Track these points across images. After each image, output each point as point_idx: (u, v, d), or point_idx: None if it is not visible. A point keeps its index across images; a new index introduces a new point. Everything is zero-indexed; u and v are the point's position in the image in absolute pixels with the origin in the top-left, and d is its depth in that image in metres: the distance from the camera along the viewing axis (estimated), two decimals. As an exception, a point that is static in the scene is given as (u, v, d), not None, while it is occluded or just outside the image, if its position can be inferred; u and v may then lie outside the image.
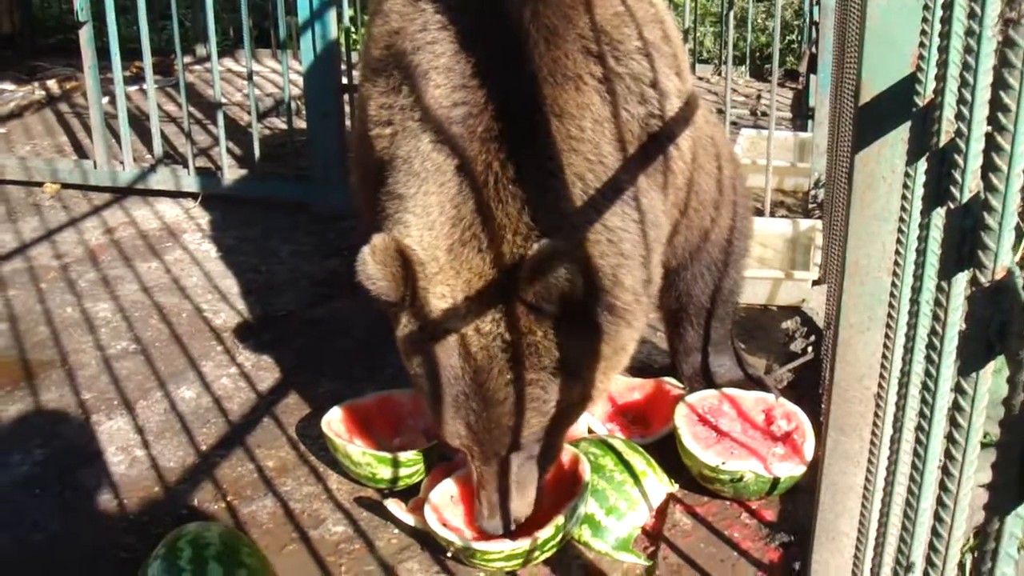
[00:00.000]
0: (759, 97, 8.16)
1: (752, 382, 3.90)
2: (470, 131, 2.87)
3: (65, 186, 6.58)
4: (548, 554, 3.11)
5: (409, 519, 3.25)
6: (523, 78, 2.92)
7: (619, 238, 2.92)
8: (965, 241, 1.40)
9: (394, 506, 3.29)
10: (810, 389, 3.94)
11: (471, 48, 2.96)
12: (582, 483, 3.18)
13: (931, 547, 1.48)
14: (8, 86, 8.57)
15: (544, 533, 3.03)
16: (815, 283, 4.71)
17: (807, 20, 8.13)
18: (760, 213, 5.25)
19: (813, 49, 6.69)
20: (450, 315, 2.82)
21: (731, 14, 6.07)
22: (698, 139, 3.43)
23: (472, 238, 2.83)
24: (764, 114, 7.57)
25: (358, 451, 3.45)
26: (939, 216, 1.63)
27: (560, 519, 3.06)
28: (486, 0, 3.00)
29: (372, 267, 2.79)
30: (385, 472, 3.44)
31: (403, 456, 3.43)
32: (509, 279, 2.78)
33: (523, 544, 3.02)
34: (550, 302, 2.74)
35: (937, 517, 1.43)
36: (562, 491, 3.22)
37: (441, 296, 2.83)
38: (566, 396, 2.91)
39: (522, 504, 3.06)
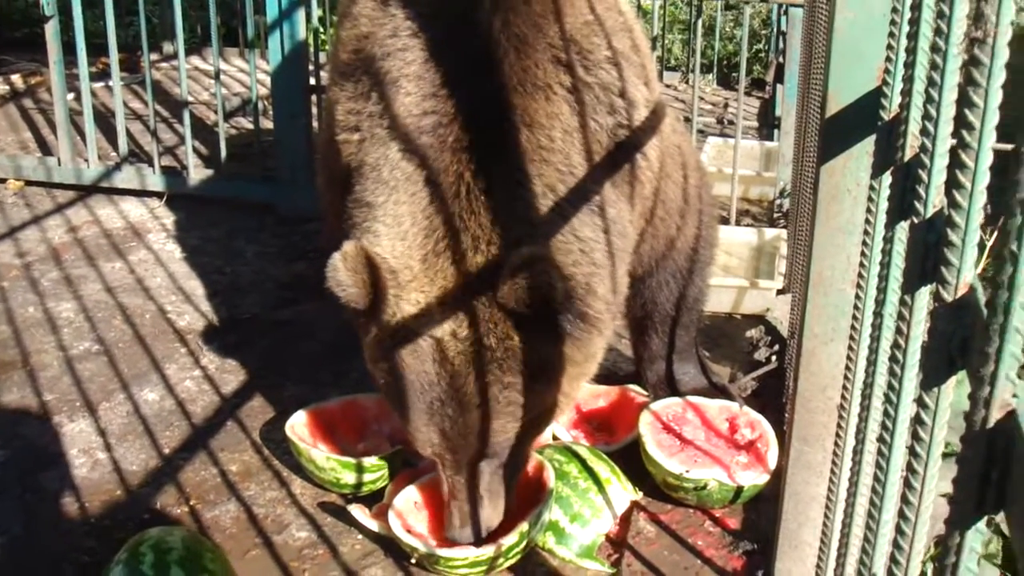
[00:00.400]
0: (726, 106, 8.20)
1: (716, 390, 3.92)
2: (440, 141, 2.88)
3: (29, 183, 6.52)
4: (512, 561, 3.11)
5: (373, 524, 3.24)
6: (493, 87, 2.92)
7: (590, 248, 2.93)
8: (928, 256, 1.42)
9: (358, 511, 3.28)
10: (774, 398, 3.96)
11: (441, 56, 2.96)
12: (547, 490, 3.18)
13: (892, 558, 1.49)
14: (-28, 81, 8.49)
15: (508, 540, 3.03)
16: (779, 292, 4.73)
17: (775, 30, 8.18)
18: (726, 221, 5.28)
19: (780, 59, 6.75)
20: (426, 321, 2.82)
21: (699, 22, 6.10)
22: (665, 149, 3.44)
23: (446, 248, 2.83)
24: (731, 123, 7.61)
25: (322, 456, 3.44)
26: (903, 230, 1.64)
27: (524, 526, 3.06)
28: (457, 8, 3.00)
29: (343, 274, 2.77)
30: (349, 477, 3.43)
31: (367, 461, 3.42)
32: (484, 286, 2.78)
33: (487, 551, 3.02)
34: (528, 307, 2.74)
35: (899, 528, 1.44)
36: (526, 498, 3.22)
37: (416, 303, 2.83)
38: (539, 402, 2.92)
39: (492, 513, 3.05)
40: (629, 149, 3.15)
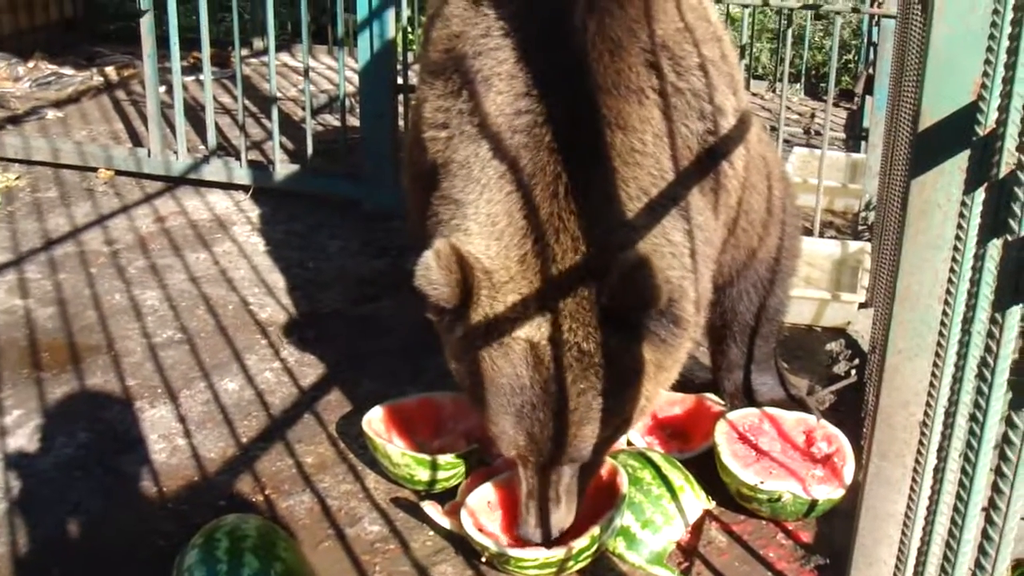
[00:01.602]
0: (813, 116, 8.12)
1: (794, 402, 3.88)
2: (536, 140, 2.87)
3: (119, 173, 6.65)
4: (582, 564, 3.11)
5: (445, 522, 3.26)
6: (586, 89, 2.91)
7: (680, 252, 2.92)
8: (1022, 274, 1.39)
9: (431, 508, 3.30)
10: (852, 412, 3.92)
11: (534, 56, 2.96)
12: (619, 495, 3.18)
13: (972, 579, 1.47)
14: (67, 71, 8.67)
15: (580, 543, 3.03)
16: (861, 306, 4.68)
17: (865, 40, 8.08)
18: (809, 233, 5.23)
19: (870, 70, 6.67)
20: (521, 323, 2.79)
21: (788, 31, 6.04)
22: (751, 159, 3.42)
23: (545, 248, 2.81)
24: (817, 133, 7.53)
25: (397, 451, 3.47)
26: (995, 247, 1.62)
27: (596, 530, 3.06)
28: (550, 9, 3.00)
29: (436, 272, 2.74)
30: (423, 474, 3.45)
31: (442, 459, 3.44)
32: (581, 288, 2.77)
33: (558, 553, 3.02)
34: (634, 312, 2.74)
35: (981, 549, 1.42)
36: (599, 502, 3.22)
37: (512, 305, 2.80)
38: (627, 407, 2.91)
39: (566, 515, 3.04)
40: (716, 156, 3.14)
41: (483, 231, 2.87)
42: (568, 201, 2.82)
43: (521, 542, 3.11)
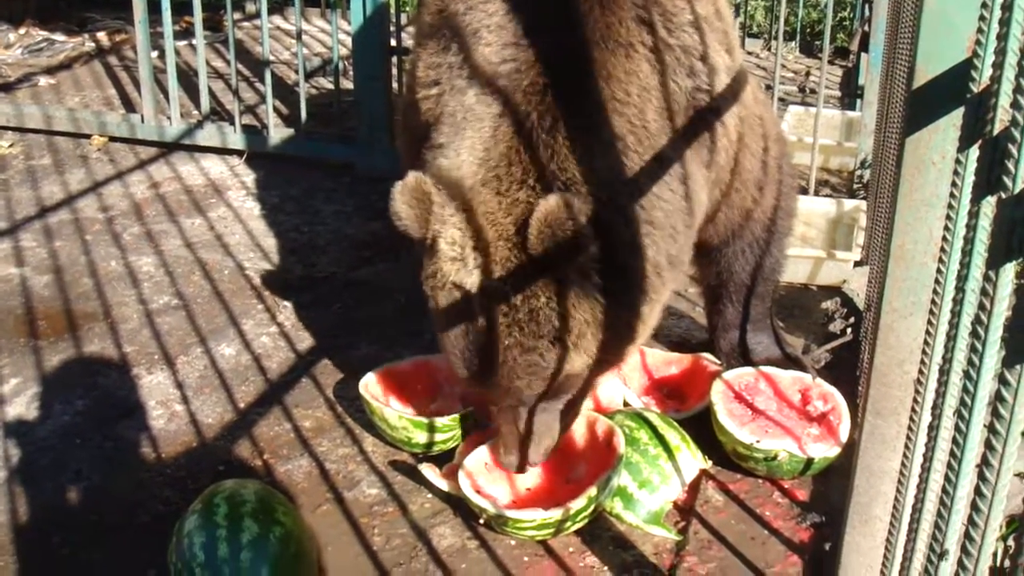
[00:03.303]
0: (808, 74, 8.09)
1: (789, 361, 3.89)
2: (515, 84, 2.88)
3: (112, 139, 6.63)
4: (580, 524, 3.13)
5: (443, 484, 3.28)
6: (574, 40, 2.92)
7: (651, 205, 2.89)
8: (1015, 231, 1.39)
9: (428, 471, 3.32)
10: (848, 371, 3.93)
11: (524, 8, 2.96)
12: (616, 455, 3.19)
13: (966, 535, 1.48)
14: (59, 37, 8.63)
15: (577, 504, 3.05)
16: (857, 264, 4.68)
17: (860, -3, 8.03)
18: (804, 192, 5.21)
19: (865, 27, 6.63)
20: (458, 268, 2.82)
21: (784, -11, 6.00)
22: (745, 118, 3.41)
23: (493, 179, 2.81)
24: (812, 91, 7.51)
25: (395, 415, 3.48)
26: (989, 205, 1.61)
27: (593, 490, 3.07)
28: None
29: (399, 204, 2.80)
30: (421, 437, 3.46)
31: (439, 421, 3.45)
32: (519, 234, 2.75)
33: (555, 514, 3.04)
34: (556, 260, 2.69)
35: (974, 505, 1.43)
36: (596, 462, 3.23)
37: (451, 242, 2.81)
38: (571, 364, 2.87)
39: (537, 451, 3.06)
40: (707, 114, 3.12)
41: (448, 164, 2.88)
42: (531, 137, 2.81)
43: (519, 503, 3.13)
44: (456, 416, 3.48)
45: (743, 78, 3.35)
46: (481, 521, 3.17)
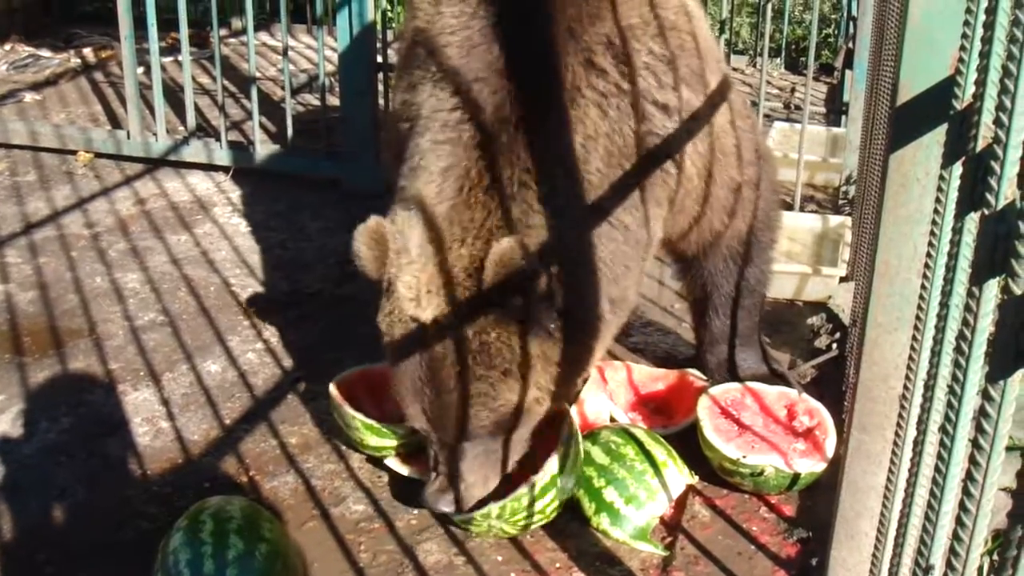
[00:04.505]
0: (793, 90, 8.12)
1: (775, 377, 3.90)
2: (464, 135, 2.99)
3: (98, 155, 6.61)
4: (551, 508, 3.14)
5: (404, 470, 3.39)
6: (526, 84, 3.01)
7: (592, 251, 3.00)
8: (998, 248, 1.40)
9: (392, 462, 3.43)
10: (833, 386, 3.94)
11: (481, 51, 3.05)
12: (567, 430, 3.20)
13: (951, 550, 1.48)
14: (45, 53, 8.62)
15: (542, 477, 3.08)
16: (842, 280, 4.69)
17: (845, 14, 8.07)
18: (790, 207, 5.23)
19: (850, 44, 6.66)
20: (413, 304, 2.92)
21: (768, 5, 6.03)
22: (718, 148, 3.43)
23: (454, 219, 2.93)
24: (797, 107, 7.54)
25: (350, 414, 3.48)
26: (972, 221, 1.63)
27: (553, 463, 3.09)
28: (504, 6, 3.09)
29: (358, 245, 2.97)
30: (372, 440, 3.47)
31: (387, 427, 3.45)
32: (473, 275, 2.87)
33: (522, 491, 3.07)
34: (507, 301, 2.82)
35: (959, 520, 1.44)
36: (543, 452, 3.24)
37: (407, 285, 2.92)
38: (519, 397, 2.98)
39: (476, 489, 3.10)
40: (660, 156, 3.18)
41: (405, 212, 3.01)
42: (475, 194, 2.93)
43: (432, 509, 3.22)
44: (404, 426, 3.45)
45: (719, 101, 3.38)
46: (457, 519, 3.17)
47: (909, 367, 2.16)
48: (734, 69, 8.48)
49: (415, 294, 2.91)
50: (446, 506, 3.11)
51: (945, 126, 1.95)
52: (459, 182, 2.94)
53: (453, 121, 3.01)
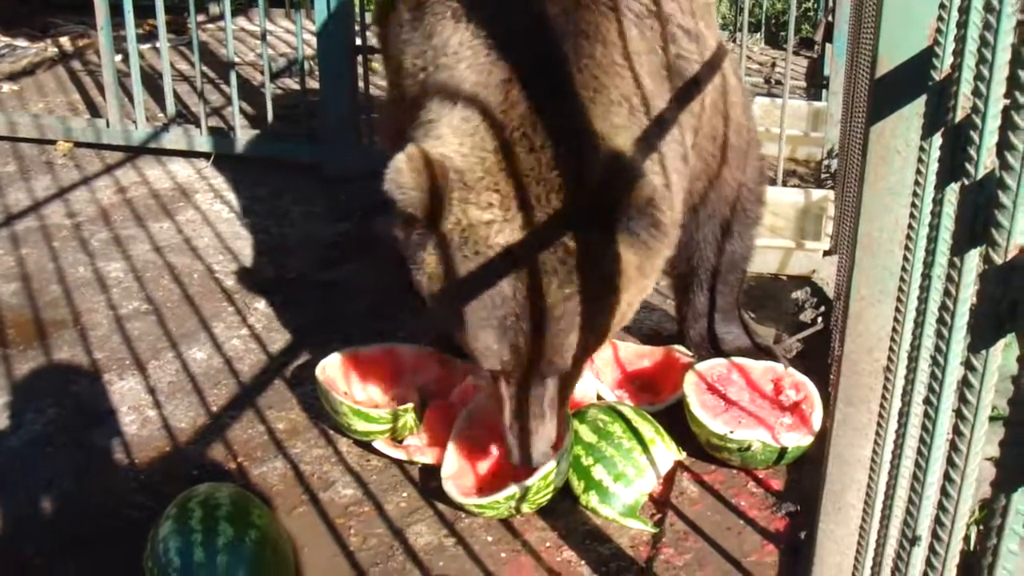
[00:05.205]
0: (774, 65, 8.12)
1: (760, 351, 3.91)
2: (512, 52, 2.82)
3: (78, 144, 6.57)
4: (547, 491, 3.16)
5: (393, 453, 3.43)
6: (564, 5, 2.89)
7: (662, 158, 2.91)
8: (978, 218, 1.40)
9: (379, 443, 3.44)
10: (819, 360, 3.95)
11: None
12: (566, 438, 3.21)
13: (937, 521, 1.49)
14: (21, 43, 8.54)
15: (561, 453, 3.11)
16: (826, 253, 4.70)
17: (824, -12, 8.07)
18: (772, 182, 5.23)
19: (829, 18, 6.67)
20: (498, 230, 2.70)
21: (747, -19, 6.04)
22: (725, 86, 3.46)
23: (522, 138, 2.72)
24: (778, 82, 7.54)
25: (337, 399, 3.49)
26: (953, 192, 1.63)
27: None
28: None
29: (406, 175, 2.62)
30: (359, 425, 3.48)
31: (375, 413, 3.47)
32: (563, 187, 2.70)
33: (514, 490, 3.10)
34: (614, 209, 2.65)
35: (944, 491, 1.44)
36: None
37: (487, 205, 2.69)
38: (610, 313, 2.82)
39: (552, 430, 2.96)
40: (692, 80, 3.15)
41: (459, 131, 2.77)
42: (545, 102, 2.75)
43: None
44: (391, 412, 3.47)
45: (724, 49, 3.40)
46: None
47: (893, 339, 2.16)
48: (714, 45, 8.46)
49: (501, 213, 2.68)
50: (546, 458, 2.97)
51: (924, 97, 1.95)
52: (521, 92, 2.76)
53: (498, 42, 2.82)
